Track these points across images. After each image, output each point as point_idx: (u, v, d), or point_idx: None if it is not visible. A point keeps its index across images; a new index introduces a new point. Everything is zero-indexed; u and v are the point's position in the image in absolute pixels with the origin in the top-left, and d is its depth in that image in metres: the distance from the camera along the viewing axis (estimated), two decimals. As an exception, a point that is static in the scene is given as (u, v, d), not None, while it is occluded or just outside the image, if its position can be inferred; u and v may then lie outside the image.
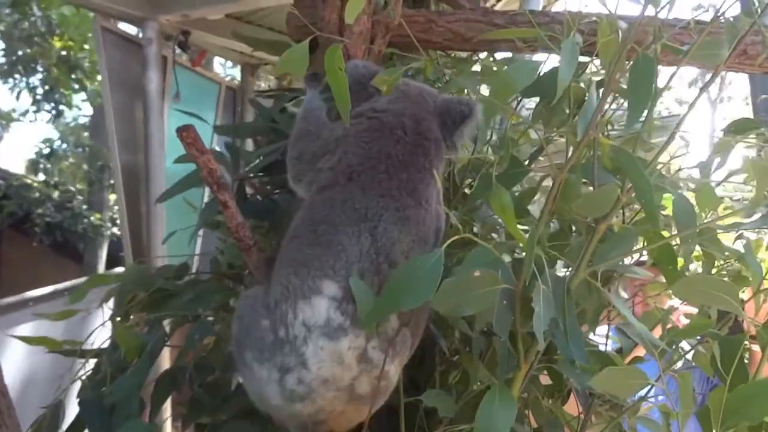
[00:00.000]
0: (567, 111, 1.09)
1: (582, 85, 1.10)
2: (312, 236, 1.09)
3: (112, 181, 8.14)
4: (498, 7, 4.09)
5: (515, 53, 1.63)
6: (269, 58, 4.58)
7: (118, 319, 1.51)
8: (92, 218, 8.62)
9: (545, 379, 1.35)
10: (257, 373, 1.04)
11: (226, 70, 8.99)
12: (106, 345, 1.52)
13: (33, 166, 9.50)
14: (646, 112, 1.03)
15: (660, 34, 1.01)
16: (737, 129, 1.21)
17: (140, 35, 4.17)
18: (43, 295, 5.85)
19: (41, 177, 9.25)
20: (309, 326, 1.00)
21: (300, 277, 1.04)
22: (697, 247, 1.33)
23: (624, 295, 1.63)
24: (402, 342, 1.06)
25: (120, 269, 6.06)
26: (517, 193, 1.31)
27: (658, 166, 1.17)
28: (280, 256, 1.15)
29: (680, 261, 1.51)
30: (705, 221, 1.17)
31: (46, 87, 7.83)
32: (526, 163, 1.32)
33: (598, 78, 1.19)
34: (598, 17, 1.20)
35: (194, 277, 1.60)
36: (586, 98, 1.03)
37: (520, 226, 1.09)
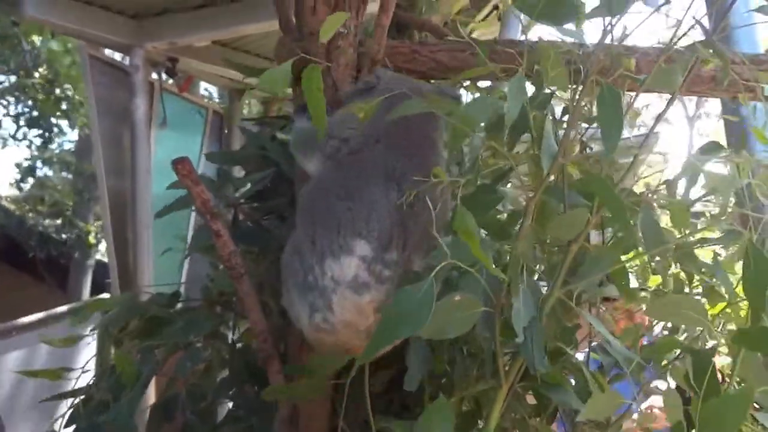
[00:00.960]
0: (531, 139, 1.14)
1: (548, 114, 1.15)
2: (342, 191, 1.17)
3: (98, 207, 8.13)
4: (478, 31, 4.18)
5: (495, 81, 1.69)
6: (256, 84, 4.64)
7: (112, 346, 1.53)
8: (75, 241, 8.58)
9: (532, 398, 1.39)
10: (294, 299, 1.18)
11: (211, 94, 9.06)
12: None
13: (18, 188, 9.46)
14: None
15: (619, 63, 1.07)
16: (706, 152, 1.28)
17: (127, 62, 4.21)
18: (29, 323, 5.81)
19: (28, 199, 9.22)
20: (337, 281, 1.12)
21: (330, 234, 1.13)
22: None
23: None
24: None
25: (106, 295, 6.04)
26: (506, 215, 1.36)
27: (632, 185, 1.23)
28: (304, 207, 1.24)
29: (657, 279, 1.57)
30: (678, 238, 1.23)
31: (34, 113, 7.85)
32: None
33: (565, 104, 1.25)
34: (569, 46, 1.27)
35: (185, 304, 1.63)
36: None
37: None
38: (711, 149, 1.26)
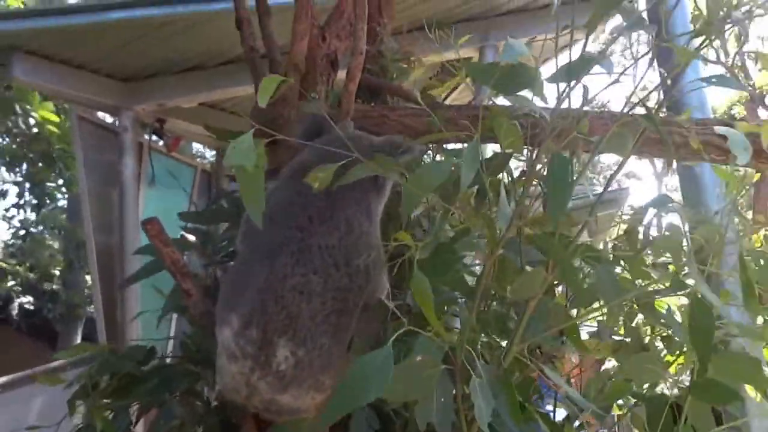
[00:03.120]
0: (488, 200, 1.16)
1: (503, 177, 1.19)
2: (238, 264, 1.25)
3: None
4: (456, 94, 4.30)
5: (462, 143, 1.73)
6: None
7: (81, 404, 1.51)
8: (66, 298, 8.49)
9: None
10: None
11: (204, 152, 9.16)
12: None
13: (9, 250, 9.40)
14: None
15: (575, 126, 1.11)
16: (656, 204, 1.32)
17: (116, 123, 4.27)
18: (15, 380, 5.67)
19: (18, 258, 9.16)
20: (221, 347, 1.15)
21: (221, 304, 1.19)
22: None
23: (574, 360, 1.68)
24: (295, 377, 1.11)
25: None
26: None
27: (602, 239, 1.26)
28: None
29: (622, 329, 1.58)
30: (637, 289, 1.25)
31: (29, 182, 7.93)
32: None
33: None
34: (526, 109, 1.31)
35: (160, 361, 1.61)
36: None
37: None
38: (660, 202, 1.30)
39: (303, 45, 1.56)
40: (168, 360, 1.65)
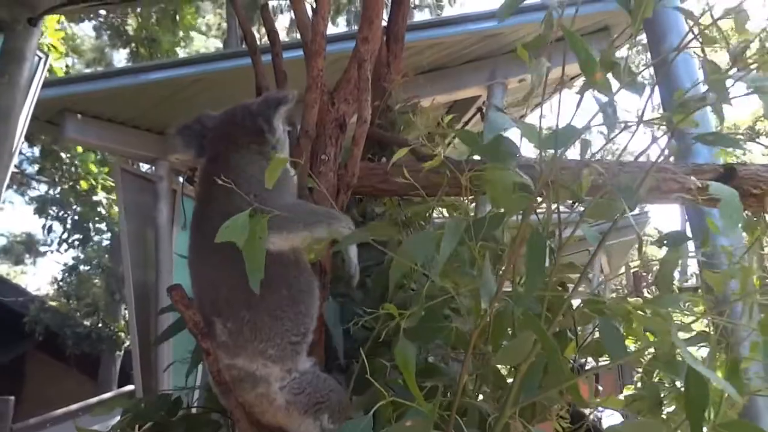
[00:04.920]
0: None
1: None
2: None
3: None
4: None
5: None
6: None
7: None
8: (107, 331, 8.73)
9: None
10: None
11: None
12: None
13: (58, 287, 9.71)
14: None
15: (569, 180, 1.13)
16: (672, 241, 1.32)
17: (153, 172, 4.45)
18: (62, 414, 5.83)
19: (66, 297, 9.46)
20: None
21: None
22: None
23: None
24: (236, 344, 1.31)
25: (131, 387, 6.08)
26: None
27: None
28: None
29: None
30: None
31: (75, 218, 8.27)
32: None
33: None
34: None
35: (186, 411, 1.66)
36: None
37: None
38: (677, 239, 1.30)
39: (314, 113, 1.63)
40: (193, 410, 1.70)
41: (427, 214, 1.88)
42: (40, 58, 2.84)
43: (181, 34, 9.14)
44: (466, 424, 1.05)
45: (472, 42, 4.24)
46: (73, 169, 7.40)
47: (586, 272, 1.36)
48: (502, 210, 1.29)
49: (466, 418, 1.09)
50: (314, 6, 1.60)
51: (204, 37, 10.78)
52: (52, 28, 5.45)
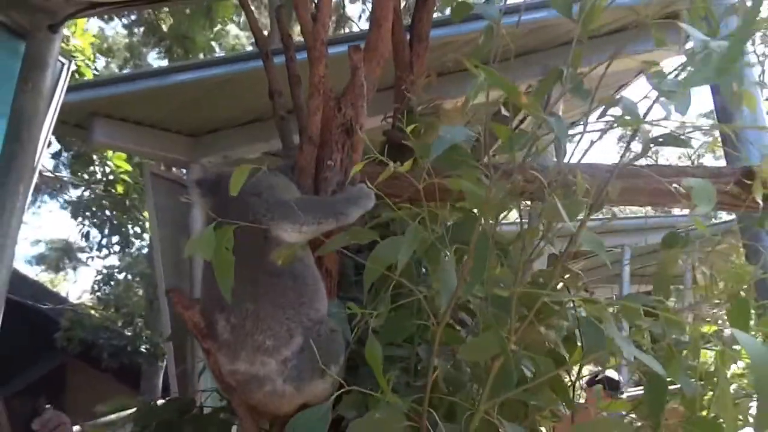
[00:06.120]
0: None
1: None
2: None
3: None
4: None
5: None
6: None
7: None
8: (147, 339, 9.15)
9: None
10: None
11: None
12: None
13: (96, 297, 10.27)
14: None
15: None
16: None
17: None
18: (103, 425, 6.22)
19: (105, 304, 10.01)
20: None
21: None
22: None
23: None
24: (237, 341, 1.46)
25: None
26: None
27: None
28: None
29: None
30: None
31: (114, 222, 8.71)
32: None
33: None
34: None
35: (198, 410, 1.85)
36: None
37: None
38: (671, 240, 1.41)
39: (317, 119, 1.79)
40: (205, 410, 1.88)
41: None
42: (63, 64, 3.10)
43: (218, 27, 9.45)
44: (444, 418, 1.17)
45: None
46: (106, 168, 7.83)
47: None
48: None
49: (440, 411, 1.20)
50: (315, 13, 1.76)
51: (243, 32, 11.12)
52: (81, 29, 5.81)
